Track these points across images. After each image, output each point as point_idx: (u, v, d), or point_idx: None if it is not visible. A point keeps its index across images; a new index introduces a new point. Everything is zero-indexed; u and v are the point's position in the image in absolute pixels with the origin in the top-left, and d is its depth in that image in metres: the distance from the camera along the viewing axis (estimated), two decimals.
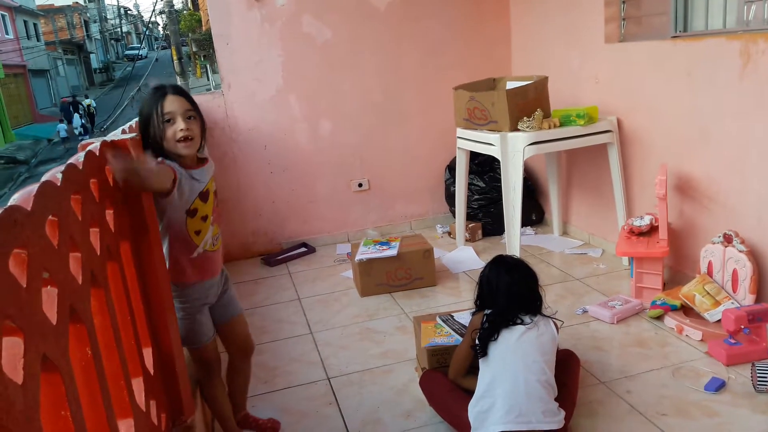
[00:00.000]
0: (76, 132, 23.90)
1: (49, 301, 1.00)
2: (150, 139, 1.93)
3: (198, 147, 1.99)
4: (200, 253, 2.01)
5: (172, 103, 1.92)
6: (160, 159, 1.92)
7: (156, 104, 1.92)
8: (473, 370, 2.21)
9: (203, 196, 2.00)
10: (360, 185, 4.74)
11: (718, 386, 2.40)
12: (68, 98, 27.20)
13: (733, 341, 2.59)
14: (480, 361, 2.15)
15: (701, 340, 2.76)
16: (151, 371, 1.67)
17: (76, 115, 25.00)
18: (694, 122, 3.12)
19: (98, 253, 1.33)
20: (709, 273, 2.96)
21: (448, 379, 2.32)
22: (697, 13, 3.24)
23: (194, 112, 1.96)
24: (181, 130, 1.90)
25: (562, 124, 3.56)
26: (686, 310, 2.94)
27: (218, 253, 2.12)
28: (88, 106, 26.74)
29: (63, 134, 23.44)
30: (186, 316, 2.04)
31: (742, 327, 2.55)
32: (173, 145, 1.92)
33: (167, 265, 1.94)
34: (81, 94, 30.80)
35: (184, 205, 1.94)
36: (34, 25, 31.57)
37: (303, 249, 4.58)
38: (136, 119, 2.49)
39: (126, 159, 1.66)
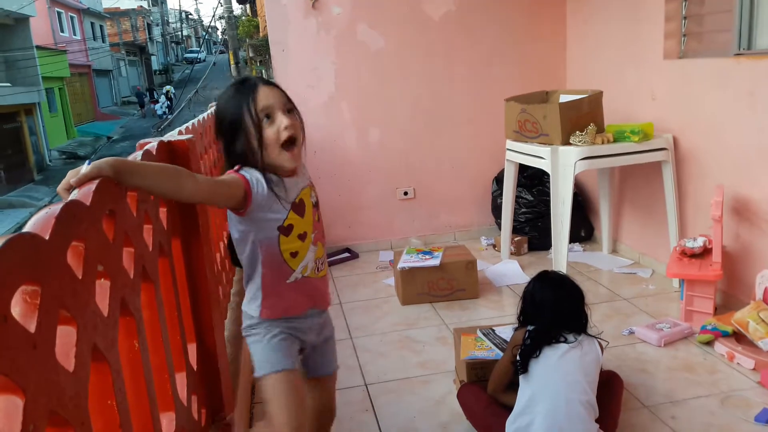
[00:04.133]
0: (162, 111, 28.38)
1: (102, 293, 1.04)
2: (237, 149, 1.58)
3: (300, 154, 1.63)
4: (298, 279, 1.68)
5: (267, 96, 1.55)
6: (236, 167, 1.58)
7: (246, 101, 1.54)
8: (513, 386, 2.18)
9: (298, 208, 1.65)
10: (406, 193, 4.75)
11: None
12: (141, 87, 34.37)
13: None
14: (520, 377, 2.13)
15: (753, 368, 2.66)
16: (195, 367, 1.70)
17: (162, 97, 29.85)
18: (755, 143, 3.01)
19: (150, 250, 1.37)
20: (765, 300, 2.85)
21: (487, 393, 2.30)
22: (762, 30, 3.13)
23: (293, 105, 1.61)
24: (286, 127, 1.55)
25: (615, 140, 3.49)
26: (738, 336, 2.83)
27: (324, 280, 1.78)
28: (168, 91, 31.20)
29: (160, 111, 28.15)
30: (265, 340, 1.70)
31: None
32: (276, 155, 1.57)
33: (260, 300, 1.67)
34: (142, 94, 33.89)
35: (275, 221, 1.62)
36: (101, 27, 32.86)
37: (346, 254, 4.62)
38: (196, 120, 2.57)
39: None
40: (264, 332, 1.70)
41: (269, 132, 1.55)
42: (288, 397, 1.64)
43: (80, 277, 0.92)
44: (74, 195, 1.01)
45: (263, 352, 1.69)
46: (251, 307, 1.71)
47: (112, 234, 1.11)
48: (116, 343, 1.06)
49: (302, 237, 1.67)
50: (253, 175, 1.55)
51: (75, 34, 27.82)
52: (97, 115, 28.76)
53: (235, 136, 1.57)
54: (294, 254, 1.67)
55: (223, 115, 1.60)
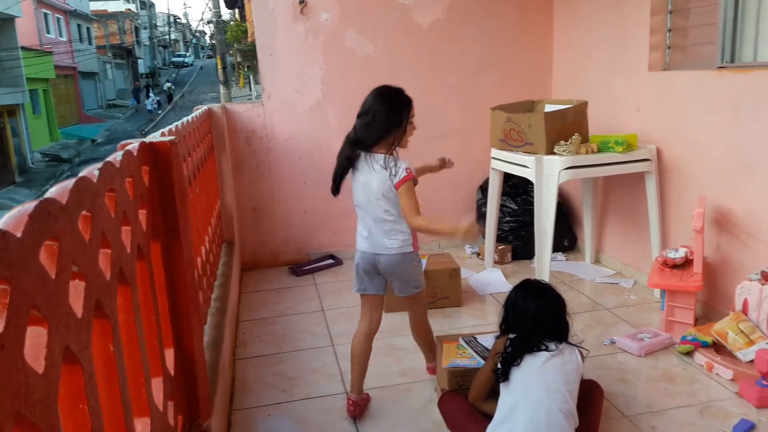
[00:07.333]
0: (152, 107, 30.29)
1: (76, 294, 1.02)
2: (391, 137, 2.39)
3: None
4: None
5: None
6: (406, 169, 2.38)
7: (409, 109, 2.43)
8: (494, 395, 2.18)
9: None
10: None
11: (747, 428, 2.32)
12: (138, 83, 37.10)
13: (765, 383, 2.50)
14: (501, 385, 2.12)
15: (732, 379, 2.67)
16: (172, 372, 1.68)
17: (151, 95, 31.45)
18: (737, 156, 3.05)
19: (128, 251, 1.35)
20: (744, 311, 2.87)
21: (468, 401, 2.29)
22: (746, 44, 3.17)
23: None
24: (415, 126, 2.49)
25: (599, 150, 3.52)
26: (718, 347, 2.85)
27: None
28: (169, 87, 34.71)
29: (149, 107, 30.42)
30: (421, 266, 2.64)
31: None
32: (407, 140, 2.46)
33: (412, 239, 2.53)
34: (127, 97, 35.33)
35: None
36: (87, 29, 32.59)
37: (330, 261, 4.60)
38: (180, 122, 2.54)
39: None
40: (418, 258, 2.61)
41: (410, 128, 2.46)
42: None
43: (53, 277, 0.90)
44: (50, 192, 0.99)
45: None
46: (408, 243, 2.52)
47: (88, 234, 1.09)
48: (90, 345, 1.04)
49: None
50: (411, 166, 2.42)
51: (61, 36, 27.58)
52: (82, 117, 28.47)
53: (391, 129, 2.41)
54: None
55: (390, 116, 2.41)
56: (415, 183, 2.44)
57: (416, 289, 2.63)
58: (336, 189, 2.57)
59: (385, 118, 2.41)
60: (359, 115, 2.49)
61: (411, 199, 2.40)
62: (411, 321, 2.77)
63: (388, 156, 2.41)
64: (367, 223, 2.55)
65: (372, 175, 2.44)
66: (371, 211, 2.51)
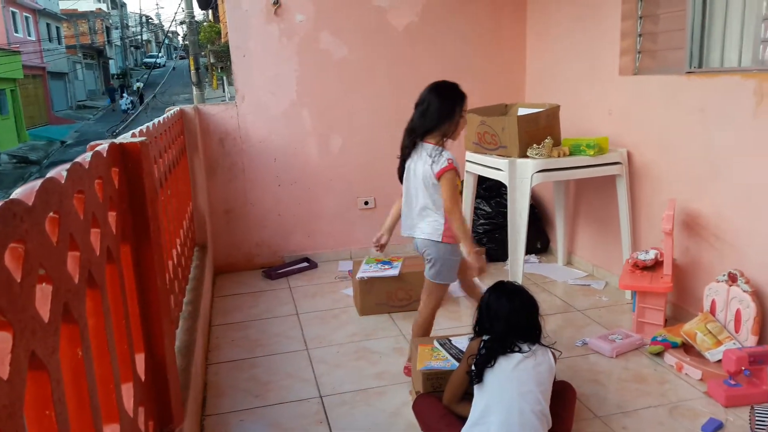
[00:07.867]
0: (126, 107, 30.12)
1: (43, 298, 1.00)
2: (443, 128, 2.58)
3: None
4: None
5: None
6: (448, 159, 2.52)
7: (462, 103, 2.61)
8: (468, 397, 2.18)
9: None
10: (366, 203, 4.74)
11: (715, 427, 2.36)
12: (113, 83, 37.35)
13: (733, 383, 2.55)
14: (475, 387, 2.13)
15: (701, 379, 2.72)
16: (143, 377, 1.65)
17: (125, 95, 31.27)
18: (706, 159, 3.11)
19: (97, 254, 1.33)
20: (712, 311, 2.93)
21: (442, 404, 2.29)
22: (713, 49, 3.24)
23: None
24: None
25: (571, 154, 3.56)
26: (687, 347, 2.90)
27: None
28: (139, 88, 34.27)
29: (123, 107, 30.11)
30: (454, 263, 2.69)
31: (743, 368, 2.51)
32: (458, 133, 2.63)
33: (444, 230, 2.61)
34: (98, 98, 35.35)
35: None
36: (57, 28, 31.99)
37: (305, 264, 4.57)
38: (151, 123, 2.50)
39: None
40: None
41: (462, 122, 2.64)
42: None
43: (19, 280, 0.88)
44: (16, 193, 0.97)
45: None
46: (439, 233, 2.63)
47: (56, 236, 1.07)
48: (57, 350, 1.02)
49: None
50: (453, 158, 2.55)
51: (30, 35, 27.02)
52: (51, 118, 27.89)
53: (443, 122, 2.59)
54: None
55: (442, 107, 2.60)
56: (458, 174, 2.58)
57: (432, 278, 2.72)
58: (400, 175, 2.77)
59: (437, 108, 2.60)
60: (416, 106, 2.69)
61: (449, 190, 2.54)
62: (418, 311, 2.86)
63: (435, 146, 2.58)
64: (410, 207, 2.71)
65: (419, 162, 2.61)
66: (414, 195, 2.66)
